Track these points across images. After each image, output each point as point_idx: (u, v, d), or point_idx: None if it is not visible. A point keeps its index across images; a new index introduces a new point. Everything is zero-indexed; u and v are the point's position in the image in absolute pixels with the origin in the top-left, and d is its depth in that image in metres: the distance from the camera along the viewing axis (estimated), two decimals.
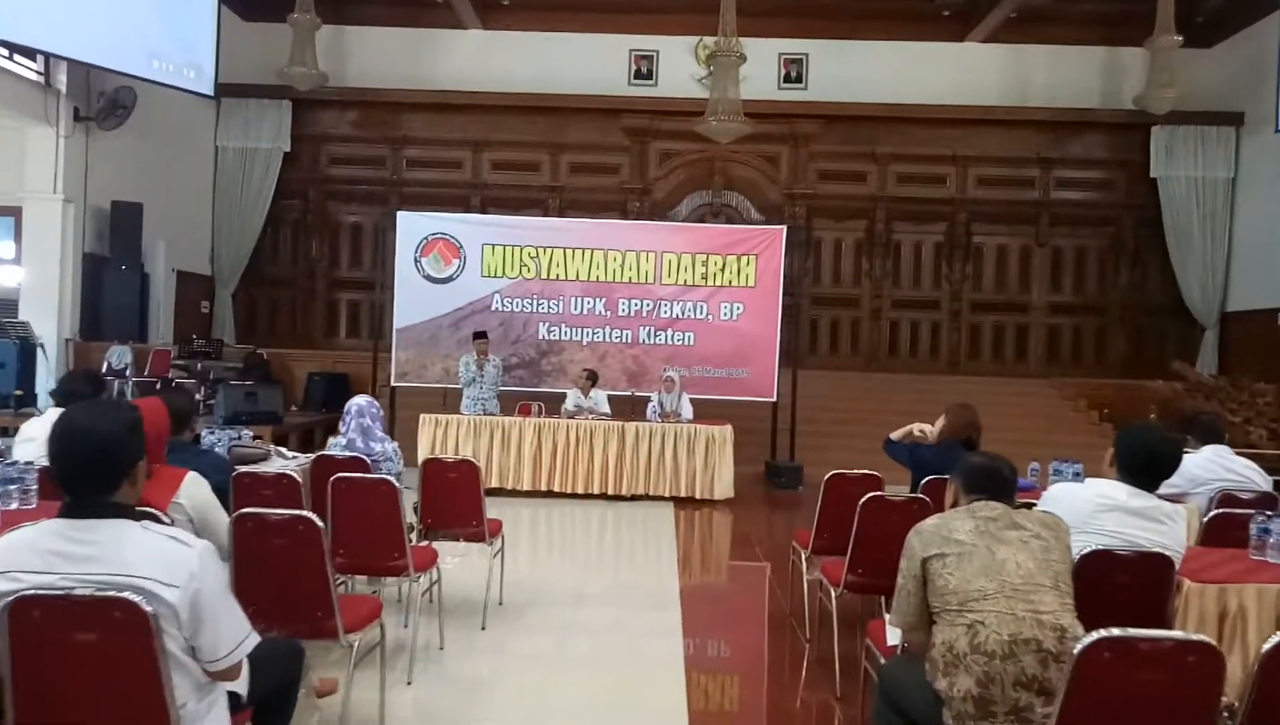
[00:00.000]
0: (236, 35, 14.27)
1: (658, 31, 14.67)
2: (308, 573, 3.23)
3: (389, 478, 4.37)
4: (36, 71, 11.68)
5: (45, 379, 11.79)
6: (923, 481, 4.88)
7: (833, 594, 4.41)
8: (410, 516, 5.14)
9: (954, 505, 3.02)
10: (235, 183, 14.52)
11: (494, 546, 5.25)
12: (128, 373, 11.89)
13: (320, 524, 3.24)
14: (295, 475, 4.37)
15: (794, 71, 14.81)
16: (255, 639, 2.31)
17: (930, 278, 14.76)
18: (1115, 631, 2.18)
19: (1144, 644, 2.18)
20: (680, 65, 14.73)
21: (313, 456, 5.10)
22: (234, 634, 2.24)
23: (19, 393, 10.47)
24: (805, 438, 10.53)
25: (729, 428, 8.94)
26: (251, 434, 5.51)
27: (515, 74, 14.45)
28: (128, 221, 12.35)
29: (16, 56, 11.36)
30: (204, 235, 14.52)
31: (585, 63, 14.52)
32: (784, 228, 10.43)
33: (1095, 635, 2.17)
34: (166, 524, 3.26)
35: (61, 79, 11.82)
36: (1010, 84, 14.58)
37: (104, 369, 11.87)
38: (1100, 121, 14.43)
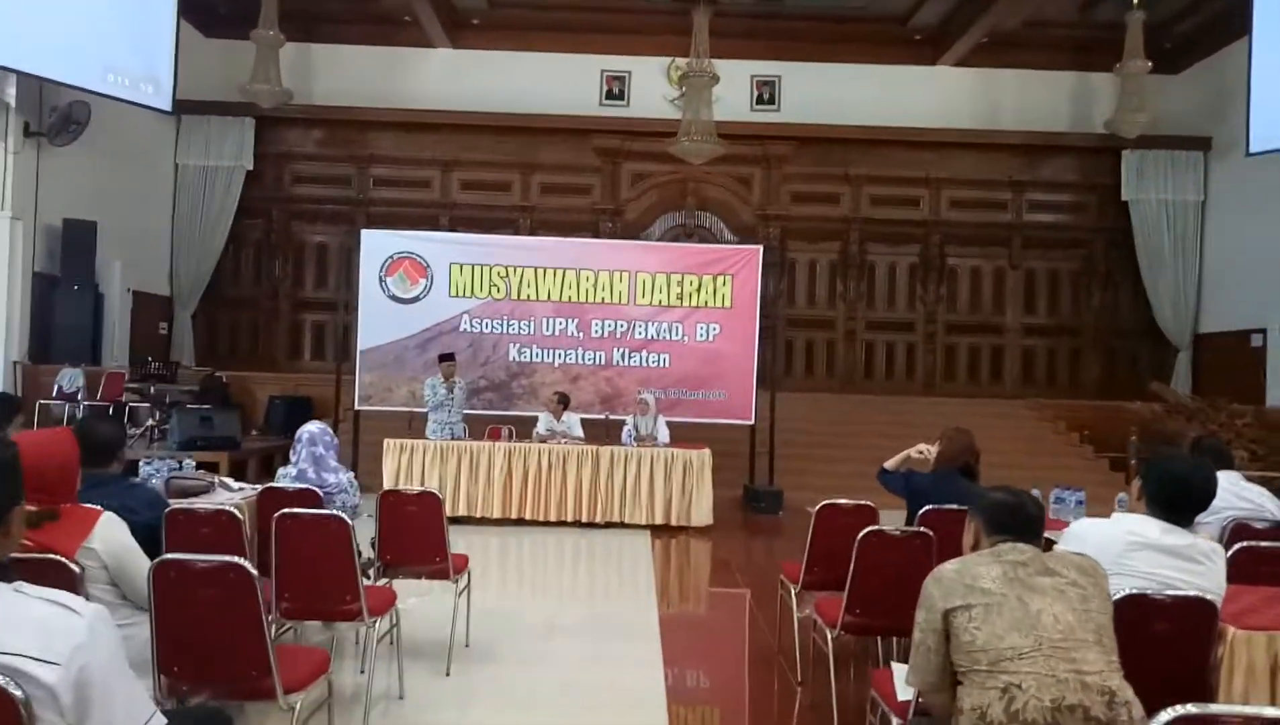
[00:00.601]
0: (197, 51, 13.82)
1: (630, 52, 14.41)
2: (240, 626, 2.80)
3: (341, 513, 3.94)
4: None
5: None
6: (920, 512, 4.53)
7: (829, 635, 4.03)
8: (368, 552, 4.71)
9: (975, 547, 2.66)
10: (196, 201, 14.01)
11: (459, 584, 4.81)
12: (79, 396, 11.31)
13: (253, 572, 2.81)
14: (237, 511, 3.92)
15: (766, 93, 14.61)
16: (161, 721, 1.87)
17: (905, 299, 14.55)
18: (1192, 709, 1.80)
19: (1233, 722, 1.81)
20: (652, 86, 14.47)
21: (259, 488, 4.65)
22: (132, 717, 1.81)
23: None
24: (783, 461, 10.18)
25: (707, 452, 8.57)
26: (195, 464, 5.05)
27: (486, 93, 14.10)
28: (81, 240, 11.79)
29: None
30: (162, 254, 13.97)
31: (557, 83, 14.22)
32: (759, 247, 10.13)
33: (1171, 714, 1.79)
34: (76, 569, 2.84)
35: (10, 92, 11.26)
36: (982, 107, 14.47)
37: (54, 392, 11.30)
38: (1071, 145, 14.35)
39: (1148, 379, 12.98)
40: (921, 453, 4.72)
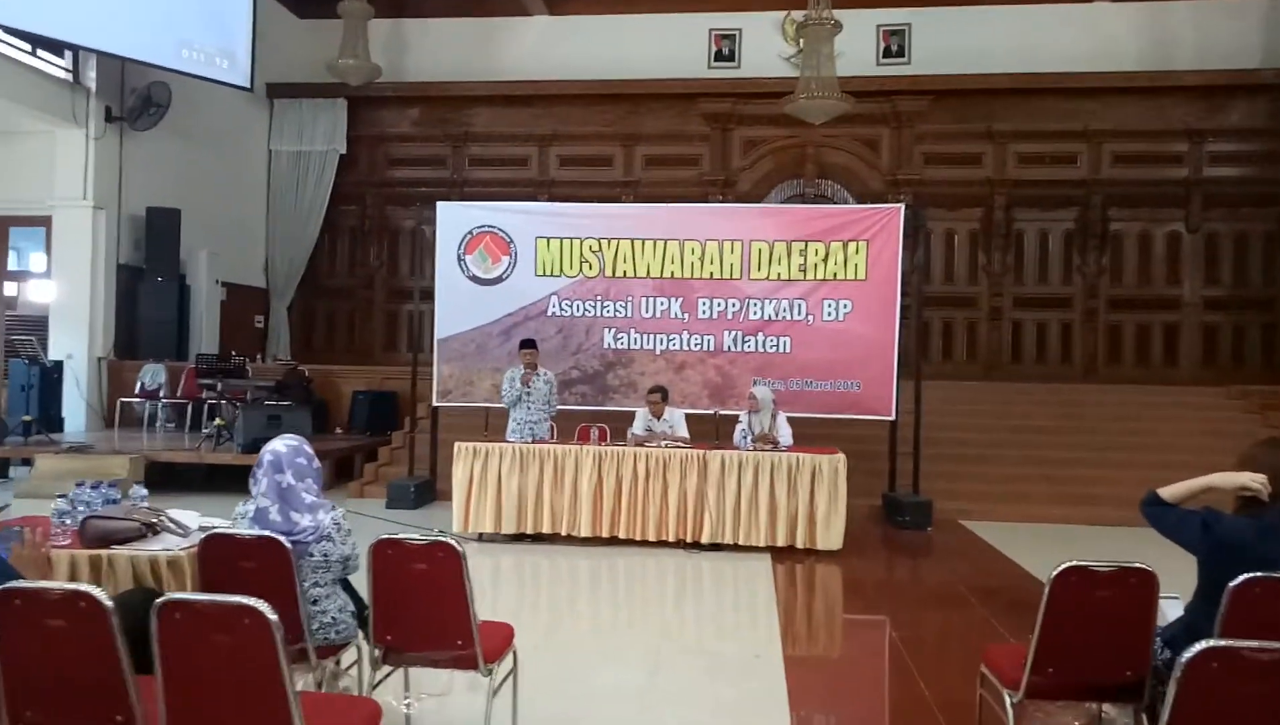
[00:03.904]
0: (289, 33, 12.69)
1: (740, 8, 12.46)
2: None
3: (262, 616, 2.22)
4: (64, 68, 10.16)
5: (76, 402, 10.24)
6: (1235, 583, 2.58)
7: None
8: (347, 624, 3.06)
9: None
10: (290, 188, 12.87)
11: (495, 674, 3.08)
12: (161, 393, 10.24)
13: None
14: (98, 597, 2.27)
15: (895, 44, 12.39)
16: None
17: (1059, 271, 12.10)
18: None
19: None
20: (765, 43, 12.47)
21: (203, 535, 3.04)
22: None
23: (26, 418, 8.80)
24: (926, 463, 8.08)
25: (841, 457, 6.61)
26: (145, 494, 3.48)
27: (584, 61, 12.42)
28: (164, 229, 10.73)
29: (41, 52, 9.84)
30: (257, 245, 12.89)
31: (660, 45, 12.42)
32: (900, 207, 8.03)
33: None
34: None
35: (91, 75, 10.28)
36: (1151, 46, 11.86)
37: (137, 389, 10.27)
38: (1264, 84, 11.56)
39: None
40: (1246, 485, 2.71)
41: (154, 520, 3.24)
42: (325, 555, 3.03)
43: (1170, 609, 3.02)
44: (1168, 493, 2.90)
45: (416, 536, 2.95)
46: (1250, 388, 9.91)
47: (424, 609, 2.98)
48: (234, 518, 3.12)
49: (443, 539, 2.92)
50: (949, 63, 11.89)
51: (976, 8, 12.04)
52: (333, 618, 3.07)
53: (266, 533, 2.94)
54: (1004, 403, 9.98)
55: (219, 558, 2.96)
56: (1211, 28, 11.68)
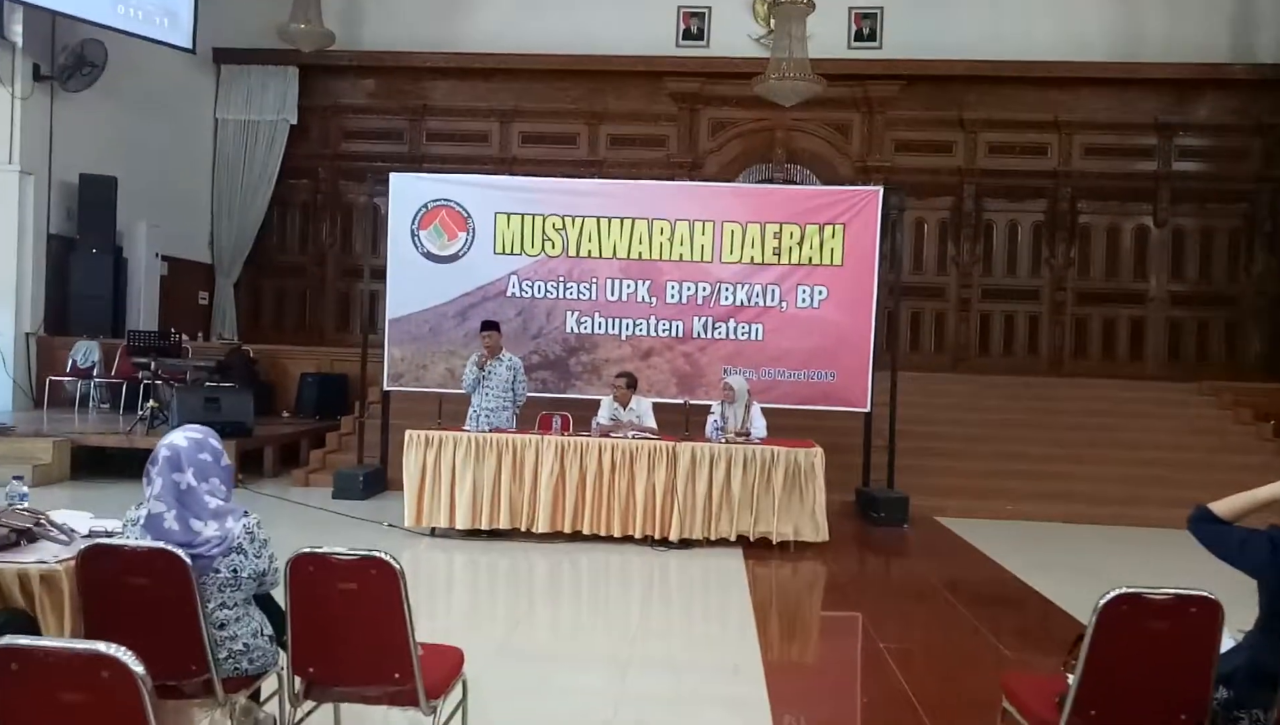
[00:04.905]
0: None
1: None
2: None
3: (124, 667, 1.68)
4: None
5: (3, 381, 9.44)
6: None
7: None
8: (265, 650, 2.53)
9: None
10: (236, 159, 12.08)
11: (439, 712, 2.56)
12: (95, 372, 9.47)
13: None
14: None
15: (866, 28, 11.95)
16: None
17: (1028, 263, 11.81)
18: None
19: None
20: (735, 23, 11.95)
21: (83, 546, 2.47)
22: None
23: None
24: (899, 457, 7.68)
25: (818, 450, 6.18)
26: (24, 490, 2.89)
27: (549, 35, 11.78)
28: (99, 198, 9.93)
29: None
30: (201, 218, 12.09)
31: (628, 21, 11.82)
32: (879, 190, 7.58)
33: None
34: None
35: (17, 30, 9.43)
36: (1122, 37, 11.57)
37: (68, 368, 9.49)
38: (1232, 79, 11.36)
39: None
40: None
41: (30, 525, 2.65)
42: (234, 571, 2.48)
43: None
44: (1222, 508, 2.47)
45: (343, 551, 2.40)
46: (1220, 384, 9.68)
47: (353, 637, 2.45)
48: (124, 524, 2.56)
49: (375, 555, 2.39)
50: (921, 48, 11.49)
51: None
52: (244, 644, 2.53)
53: (160, 544, 2.38)
54: (974, 396, 9.65)
55: (102, 574, 2.40)
56: (1182, 19, 11.42)
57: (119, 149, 10.32)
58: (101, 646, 1.60)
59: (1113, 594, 2.31)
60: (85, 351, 9.55)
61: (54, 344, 9.71)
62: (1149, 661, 2.34)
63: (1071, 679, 2.42)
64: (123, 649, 1.60)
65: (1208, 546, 2.48)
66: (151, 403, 7.97)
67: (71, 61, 9.66)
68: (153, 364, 8.18)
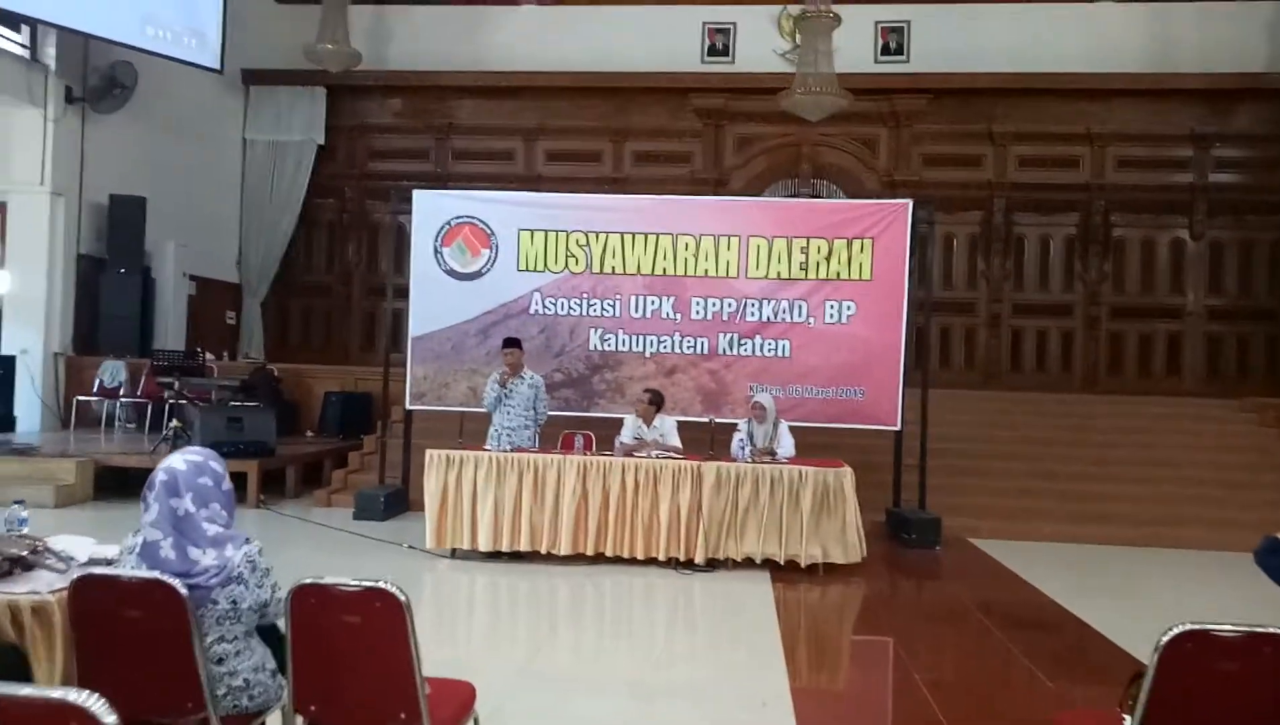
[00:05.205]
0: (266, 17, 11.96)
1: (734, 1, 11.82)
2: None
3: (95, 721, 1.53)
4: (21, 44, 9.42)
5: (31, 400, 9.47)
6: None
7: None
8: (269, 687, 2.39)
9: None
10: (264, 179, 12.14)
11: None
12: (121, 392, 9.48)
13: None
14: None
15: (893, 41, 11.79)
16: None
17: (1060, 278, 11.53)
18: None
19: None
20: (761, 38, 11.85)
21: (77, 575, 2.34)
22: None
23: None
24: (930, 476, 7.44)
25: (848, 471, 5.97)
26: (23, 515, 2.78)
27: (573, 53, 11.76)
28: (128, 218, 9.98)
29: None
30: (229, 238, 12.14)
31: (652, 38, 11.77)
32: (908, 203, 7.39)
33: None
34: None
35: (50, 52, 9.54)
36: (1155, 47, 11.32)
37: (95, 387, 9.51)
38: (1270, 88, 11.06)
39: None
40: None
41: (24, 553, 2.54)
42: (234, 602, 2.35)
43: None
44: None
45: (347, 582, 2.26)
46: (1262, 400, 9.33)
47: (357, 673, 2.30)
48: (120, 552, 2.44)
49: (379, 586, 2.24)
50: (949, 61, 11.32)
51: (976, 5, 11.50)
52: (245, 680, 2.40)
53: (155, 574, 2.25)
54: (1006, 413, 9.37)
55: (94, 606, 2.27)
56: (1216, 28, 11.17)
57: (148, 170, 10.39)
58: (72, 695, 1.46)
59: (1177, 630, 2.11)
60: (112, 371, 9.56)
61: (82, 364, 9.74)
62: (1218, 704, 2.13)
63: (1129, 721, 2.22)
64: (94, 696, 1.45)
65: (1277, 580, 2.28)
66: (175, 422, 7.92)
67: (102, 83, 9.74)
68: (177, 383, 8.16)
